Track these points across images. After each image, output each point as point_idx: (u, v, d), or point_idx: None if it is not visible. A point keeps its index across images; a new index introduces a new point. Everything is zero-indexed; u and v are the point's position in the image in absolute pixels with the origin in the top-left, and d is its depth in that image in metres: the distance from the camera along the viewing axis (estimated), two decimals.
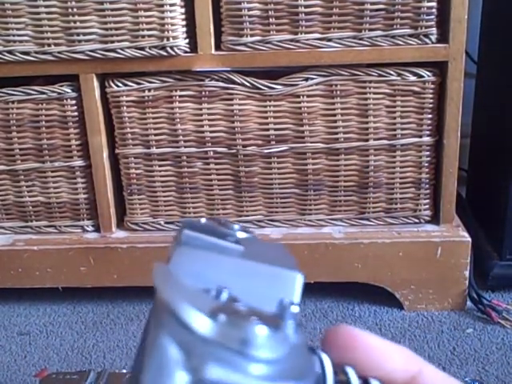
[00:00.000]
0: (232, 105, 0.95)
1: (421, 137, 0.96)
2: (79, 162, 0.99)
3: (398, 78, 0.93)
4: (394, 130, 0.96)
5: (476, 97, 1.19)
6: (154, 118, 0.96)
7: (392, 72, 0.93)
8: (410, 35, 0.90)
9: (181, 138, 0.97)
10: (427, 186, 0.99)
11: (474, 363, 0.88)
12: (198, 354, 0.21)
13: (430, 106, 0.94)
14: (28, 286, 1.03)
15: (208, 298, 0.24)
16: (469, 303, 1.01)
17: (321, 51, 0.91)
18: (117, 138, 0.99)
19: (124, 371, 0.76)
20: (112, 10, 0.89)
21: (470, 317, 0.99)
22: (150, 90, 0.95)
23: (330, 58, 0.92)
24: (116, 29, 0.90)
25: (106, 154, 0.99)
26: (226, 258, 0.27)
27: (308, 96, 0.94)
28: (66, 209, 1.02)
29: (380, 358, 0.26)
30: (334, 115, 0.95)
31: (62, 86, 0.95)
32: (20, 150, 0.98)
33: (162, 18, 0.89)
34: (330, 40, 0.91)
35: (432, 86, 0.93)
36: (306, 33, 0.91)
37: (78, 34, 0.91)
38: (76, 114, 0.96)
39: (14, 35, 0.91)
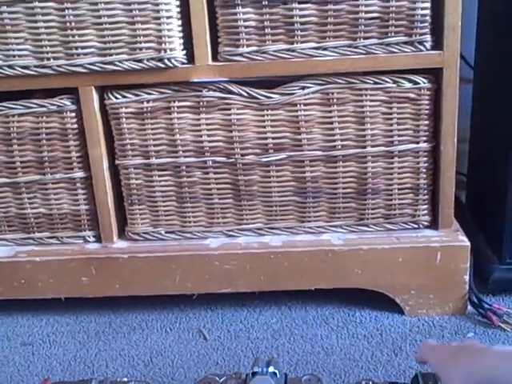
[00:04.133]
0: (230, 114, 0.96)
1: (418, 143, 0.97)
2: (80, 174, 1.00)
3: (394, 85, 0.94)
4: (391, 136, 0.96)
5: (473, 101, 1.19)
6: (152, 129, 0.97)
7: (388, 79, 0.94)
8: (405, 43, 0.91)
9: (180, 148, 0.98)
10: (425, 191, 1.00)
11: None
12: None
13: (427, 112, 0.95)
14: (31, 296, 1.04)
15: None
16: (469, 307, 1.01)
17: (316, 60, 0.92)
18: (116, 150, 1.00)
19: (125, 380, 0.76)
20: (109, 23, 0.90)
21: (471, 321, 0.99)
22: (148, 101, 0.96)
23: (326, 66, 0.93)
24: (114, 42, 0.91)
25: (106, 165, 1.00)
26: None
27: (305, 104, 0.95)
28: (67, 220, 1.03)
29: None
30: (331, 123, 0.96)
31: (61, 98, 0.97)
32: (21, 162, 1.00)
33: (159, 31, 0.90)
34: (325, 49, 0.92)
35: (428, 92, 0.94)
36: (302, 42, 0.91)
37: (76, 48, 0.92)
38: (76, 126, 0.97)
39: (13, 50, 0.92)
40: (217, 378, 0.73)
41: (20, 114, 0.97)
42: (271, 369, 0.71)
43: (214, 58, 0.94)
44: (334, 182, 0.99)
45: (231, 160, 0.98)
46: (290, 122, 0.96)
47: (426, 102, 0.95)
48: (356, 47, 0.91)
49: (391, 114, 0.95)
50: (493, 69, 1.09)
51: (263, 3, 0.90)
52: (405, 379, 0.87)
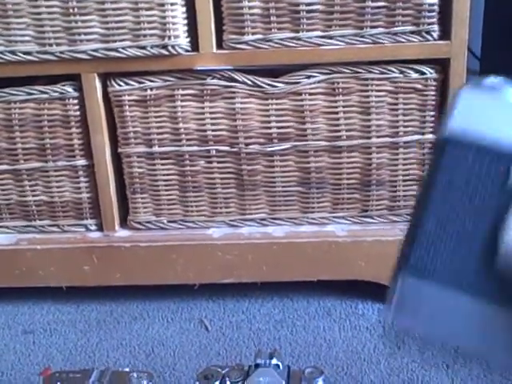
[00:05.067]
0: (234, 103, 0.95)
1: (423, 134, 0.96)
2: (82, 161, 0.99)
3: (400, 75, 0.93)
4: (397, 127, 0.95)
5: None
6: (156, 117, 0.96)
7: (394, 69, 0.92)
8: (412, 32, 0.90)
9: (183, 136, 0.97)
10: None
11: (477, 361, 0.88)
12: None
13: (433, 103, 0.94)
14: (32, 285, 1.04)
15: None
16: None
17: (322, 49, 0.91)
18: (119, 137, 0.99)
19: (127, 370, 0.76)
20: (113, 9, 0.89)
21: None
22: (151, 89, 0.95)
23: (332, 55, 0.91)
24: (117, 28, 0.90)
25: (108, 153, 0.99)
26: None
27: (310, 94, 0.94)
28: (69, 208, 1.03)
29: None
30: (336, 113, 0.95)
31: (63, 85, 0.96)
32: (23, 149, 0.99)
33: (164, 17, 0.89)
34: (331, 38, 0.91)
35: (434, 83, 0.93)
36: (308, 31, 0.90)
37: (79, 34, 0.91)
38: (78, 113, 0.96)
39: (15, 35, 0.91)
40: (219, 370, 0.72)
41: (22, 101, 0.96)
42: (274, 361, 0.71)
43: (219, 46, 0.92)
44: (338, 173, 0.98)
45: (235, 149, 0.97)
46: (294, 112, 0.95)
47: (433, 93, 0.94)
48: (362, 36, 0.90)
49: (397, 104, 0.94)
50: (499, 60, 1.08)
51: None
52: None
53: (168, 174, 1.00)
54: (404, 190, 0.99)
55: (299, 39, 0.91)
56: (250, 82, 0.94)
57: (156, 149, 0.98)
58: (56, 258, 1.02)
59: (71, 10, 0.90)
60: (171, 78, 0.94)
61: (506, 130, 0.26)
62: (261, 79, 0.94)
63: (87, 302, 1.07)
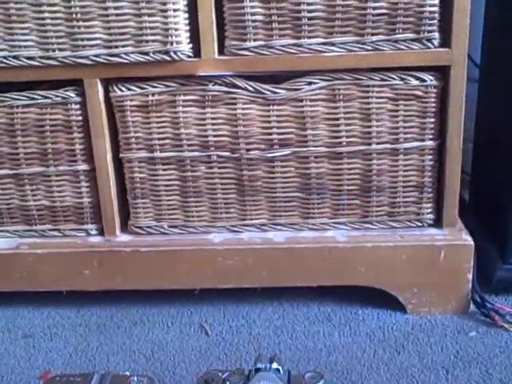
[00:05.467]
0: (235, 109, 0.95)
1: (423, 141, 0.96)
2: (83, 166, 1.00)
3: (401, 82, 0.93)
4: (397, 134, 0.96)
5: (479, 101, 1.19)
6: (157, 123, 0.97)
7: (395, 76, 0.93)
8: (413, 40, 0.91)
9: (184, 142, 0.98)
10: (430, 189, 1.00)
11: (477, 366, 0.88)
12: None
13: (433, 110, 0.95)
14: (32, 289, 1.04)
15: None
16: (472, 307, 1.01)
17: (323, 56, 0.92)
18: (121, 143, 0.99)
19: (128, 373, 0.76)
20: (116, 15, 0.90)
21: (474, 320, 0.99)
22: (153, 94, 0.95)
23: (333, 62, 0.92)
24: (120, 34, 0.91)
25: (109, 158, 0.99)
26: None
27: (311, 100, 0.94)
28: (70, 212, 1.03)
29: None
30: (337, 119, 0.95)
31: (66, 90, 0.96)
32: (24, 154, 0.99)
33: (166, 23, 0.90)
34: (332, 44, 0.91)
35: (434, 90, 0.94)
36: (309, 37, 0.91)
37: (82, 39, 0.91)
38: (80, 118, 0.97)
39: (18, 40, 0.92)
40: (219, 374, 0.73)
41: (24, 106, 0.96)
42: (274, 365, 0.71)
43: (221, 52, 0.93)
44: (338, 179, 0.99)
45: (236, 155, 0.98)
46: (295, 118, 0.96)
47: (433, 100, 0.94)
48: (363, 43, 0.91)
49: (397, 111, 0.95)
50: (499, 68, 1.08)
51: None
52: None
53: (169, 180, 1.00)
54: (404, 197, 1.00)
55: (300, 46, 0.91)
56: (251, 88, 0.94)
57: (157, 154, 0.98)
58: (57, 263, 1.02)
59: (74, 16, 0.90)
60: (173, 84, 0.95)
61: None
62: (262, 85, 0.94)
63: (87, 306, 1.07)
